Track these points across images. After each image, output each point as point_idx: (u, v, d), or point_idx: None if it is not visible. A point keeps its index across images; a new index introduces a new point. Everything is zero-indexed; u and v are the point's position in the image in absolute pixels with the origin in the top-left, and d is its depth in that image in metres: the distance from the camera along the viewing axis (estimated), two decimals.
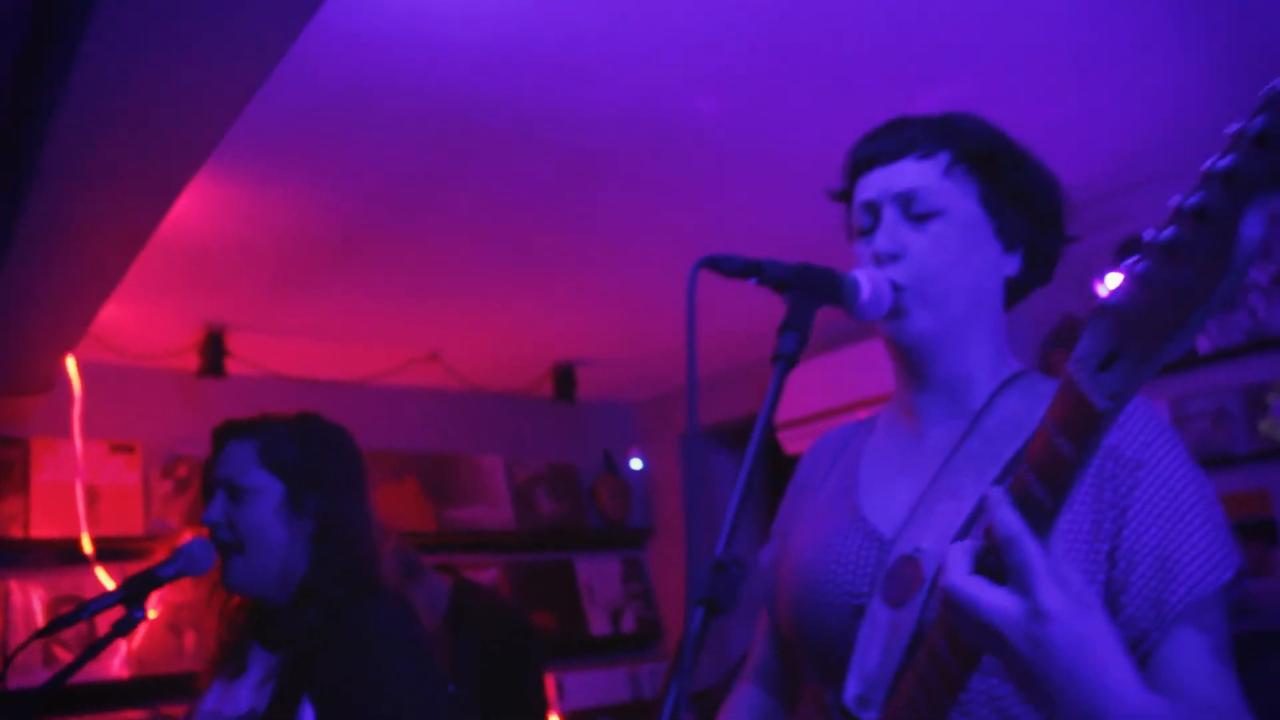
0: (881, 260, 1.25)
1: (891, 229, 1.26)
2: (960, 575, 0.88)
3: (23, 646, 1.97)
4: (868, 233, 1.29)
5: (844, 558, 1.24)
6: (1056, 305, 3.91)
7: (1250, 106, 0.66)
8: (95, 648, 1.90)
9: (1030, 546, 0.84)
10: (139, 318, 3.88)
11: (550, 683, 4.65)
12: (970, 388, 1.28)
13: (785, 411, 4.67)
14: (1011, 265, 1.29)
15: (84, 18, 1.71)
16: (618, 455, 5.90)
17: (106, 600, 1.92)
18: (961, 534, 1.15)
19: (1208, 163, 0.70)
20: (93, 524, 4.19)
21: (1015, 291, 1.33)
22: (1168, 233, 0.73)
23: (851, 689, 1.16)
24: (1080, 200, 3.76)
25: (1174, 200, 0.73)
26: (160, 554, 4.27)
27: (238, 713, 1.81)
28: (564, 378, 5.26)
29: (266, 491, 1.87)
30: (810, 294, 1.15)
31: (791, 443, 4.68)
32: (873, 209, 1.29)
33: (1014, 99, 2.88)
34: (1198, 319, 0.73)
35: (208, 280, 3.72)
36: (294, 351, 4.57)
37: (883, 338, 1.30)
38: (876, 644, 1.16)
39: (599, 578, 5.66)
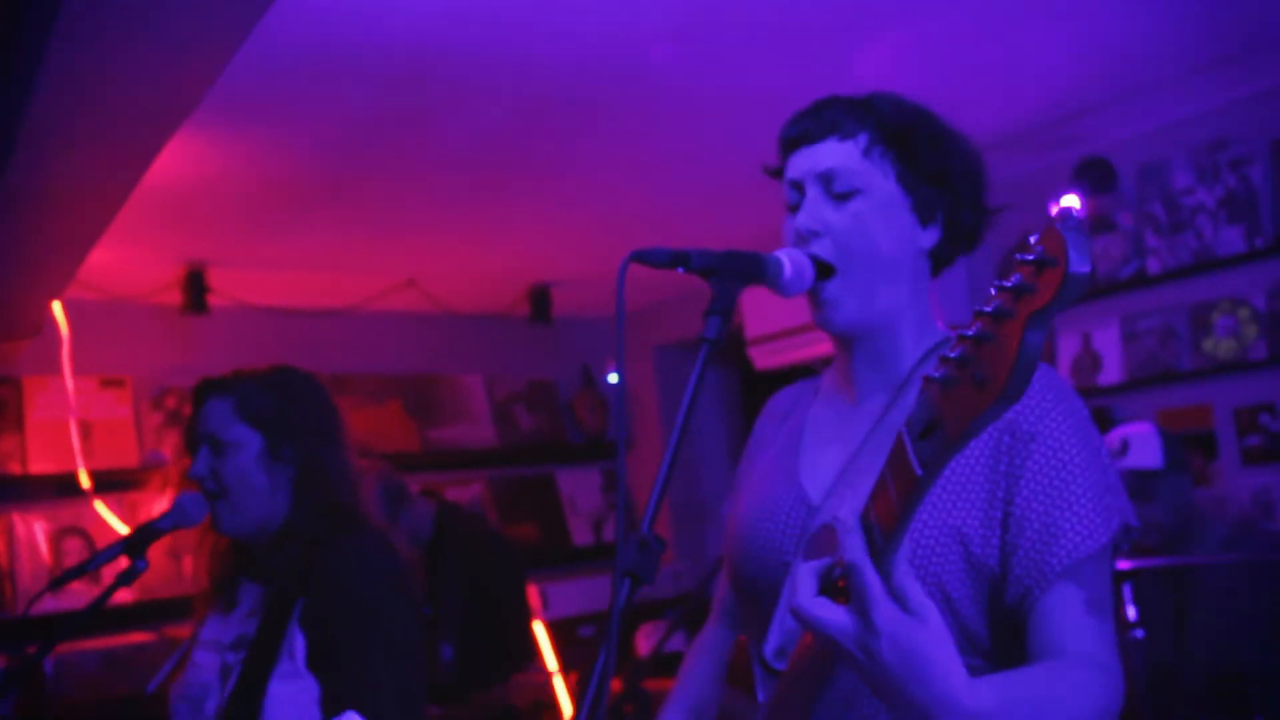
0: (804, 237, 1.34)
1: (813, 207, 1.35)
2: (807, 597, 1.02)
3: (39, 595, 2.09)
4: (794, 209, 1.38)
5: (775, 518, 1.37)
6: (1018, 224, 4.02)
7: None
8: (105, 595, 2.05)
9: (869, 573, 0.97)
10: (121, 259, 3.96)
11: (535, 593, 4.85)
12: (898, 357, 1.38)
13: (754, 328, 4.81)
14: (929, 238, 1.38)
15: None
16: (595, 370, 6.05)
17: (111, 552, 2.05)
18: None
19: (1005, 280, 0.82)
20: (88, 457, 4.33)
21: (940, 261, 1.42)
22: (975, 328, 0.85)
23: (772, 642, 1.29)
24: (1038, 123, 3.85)
25: (990, 294, 0.85)
26: (155, 483, 4.45)
27: (230, 640, 1.97)
28: (540, 298, 5.37)
29: (246, 443, 2.00)
30: (735, 277, 1.25)
31: (761, 358, 4.83)
32: (798, 187, 1.38)
33: (969, 35, 2.95)
34: (989, 416, 0.84)
35: (186, 222, 3.80)
36: (273, 284, 4.67)
37: (816, 324, 1.41)
38: None
39: (580, 489, 5.85)
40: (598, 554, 5.80)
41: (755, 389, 5.69)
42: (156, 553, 4.52)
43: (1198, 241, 3.60)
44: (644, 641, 4.99)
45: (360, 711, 1.79)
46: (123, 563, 2.06)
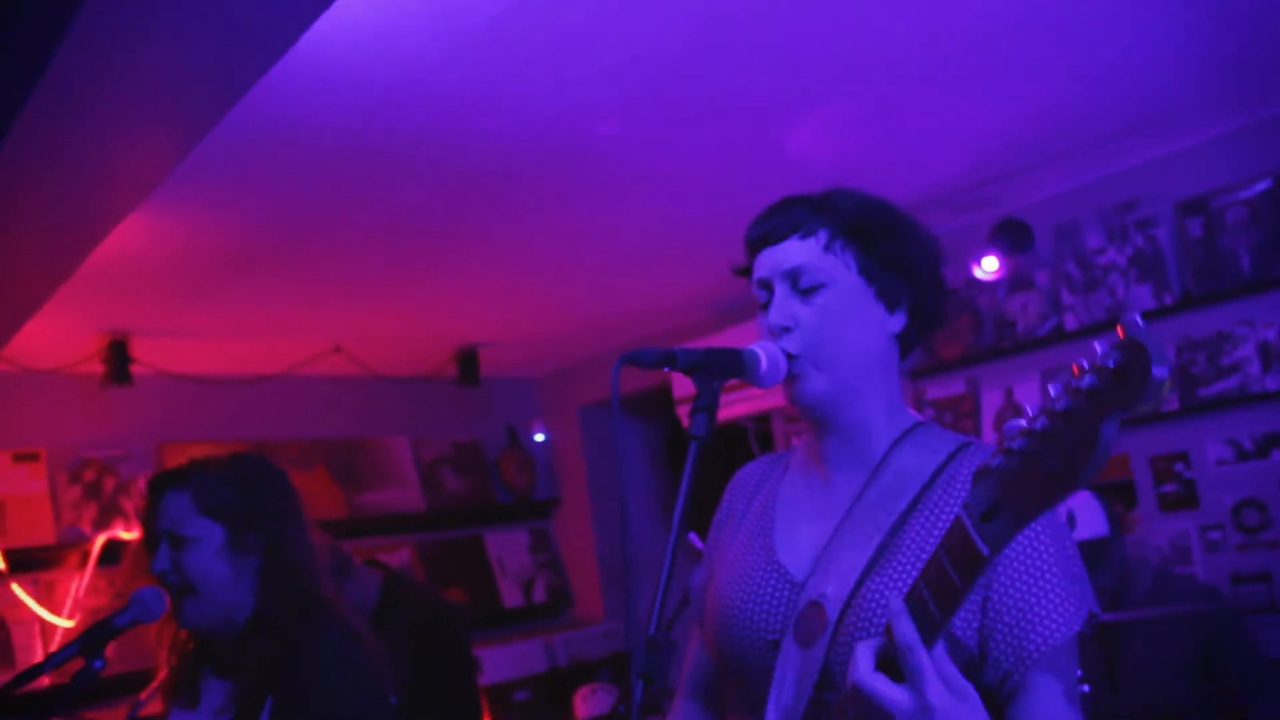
0: (776, 332, 1.41)
1: (782, 304, 1.41)
2: (866, 673, 1.10)
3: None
4: (764, 306, 1.45)
5: (760, 598, 1.40)
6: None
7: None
8: (66, 696, 1.98)
9: (922, 655, 1.06)
10: (41, 330, 3.84)
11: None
12: (869, 437, 1.44)
13: (681, 387, 4.88)
14: (897, 323, 1.44)
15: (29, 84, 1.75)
16: (521, 430, 6.04)
17: (67, 653, 1.99)
18: (861, 580, 1.31)
19: (1077, 381, 0.89)
20: (1, 536, 4.17)
21: (909, 343, 1.49)
22: (1041, 423, 0.92)
23: (770, 718, 1.32)
24: (959, 185, 3.99)
25: (1051, 394, 0.92)
26: (73, 560, 4.29)
27: None
28: (467, 360, 5.36)
29: (207, 537, 1.97)
30: (716, 372, 1.32)
31: (688, 417, 4.88)
32: (766, 285, 1.45)
33: (894, 107, 3.07)
34: (1064, 495, 0.93)
35: (112, 291, 3.71)
36: (198, 352, 4.58)
37: (789, 404, 1.47)
38: (789, 680, 1.33)
39: (508, 550, 5.82)
40: (528, 615, 5.77)
41: (681, 446, 5.73)
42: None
43: (1111, 298, 3.77)
44: (581, 705, 4.96)
45: None
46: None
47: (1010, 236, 3.89)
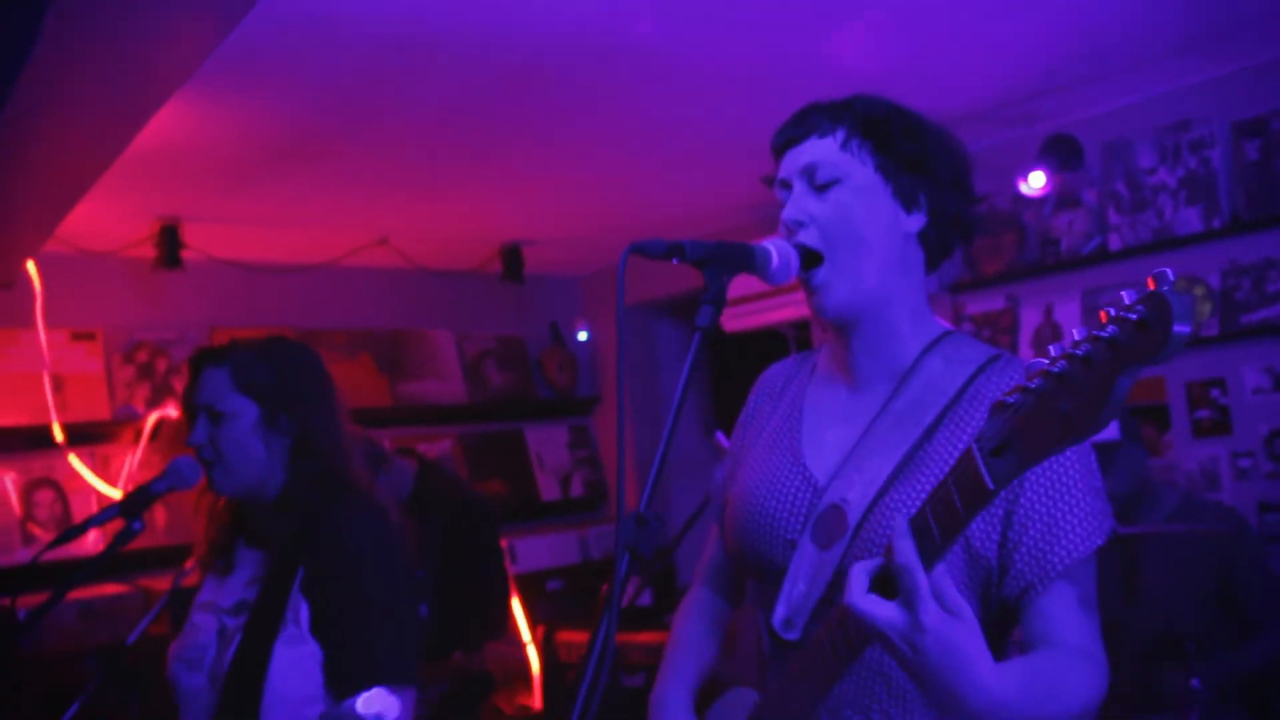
0: (791, 228, 1.42)
1: (797, 199, 1.43)
2: (859, 594, 1.12)
3: (48, 547, 2.13)
4: (784, 206, 1.46)
5: (782, 497, 1.44)
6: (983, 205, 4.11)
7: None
8: (101, 558, 2.10)
9: (919, 575, 1.08)
10: (95, 213, 3.94)
11: (504, 549, 4.94)
12: (896, 342, 1.45)
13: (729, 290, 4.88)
14: (914, 223, 1.44)
15: None
16: (564, 327, 6.10)
17: (109, 513, 2.10)
18: (884, 489, 1.34)
19: (1100, 330, 0.89)
20: (60, 410, 4.34)
21: (934, 250, 1.48)
22: (1060, 365, 0.93)
23: (779, 613, 1.39)
24: (1007, 100, 3.93)
25: (1073, 338, 0.93)
26: (126, 436, 4.47)
27: (229, 605, 2.04)
28: (511, 257, 5.39)
29: (243, 413, 2.05)
30: (726, 266, 1.32)
31: (729, 322, 4.92)
32: (786, 185, 1.46)
33: (944, 13, 3.01)
34: (1071, 444, 0.95)
35: (162, 178, 3.79)
36: (247, 240, 4.67)
37: (811, 312, 1.48)
38: (803, 577, 1.38)
39: (548, 446, 5.93)
40: (564, 509, 5.89)
41: (722, 350, 5.78)
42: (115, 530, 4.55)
43: (1158, 220, 3.71)
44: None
45: (362, 671, 1.88)
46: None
47: (1059, 152, 3.82)
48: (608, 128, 3.74)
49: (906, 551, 1.09)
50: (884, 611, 1.10)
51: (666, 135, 3.89)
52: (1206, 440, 3.64)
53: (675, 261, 1.33)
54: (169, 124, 3.26)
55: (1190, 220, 3.64)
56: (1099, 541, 1.31)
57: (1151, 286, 0.87)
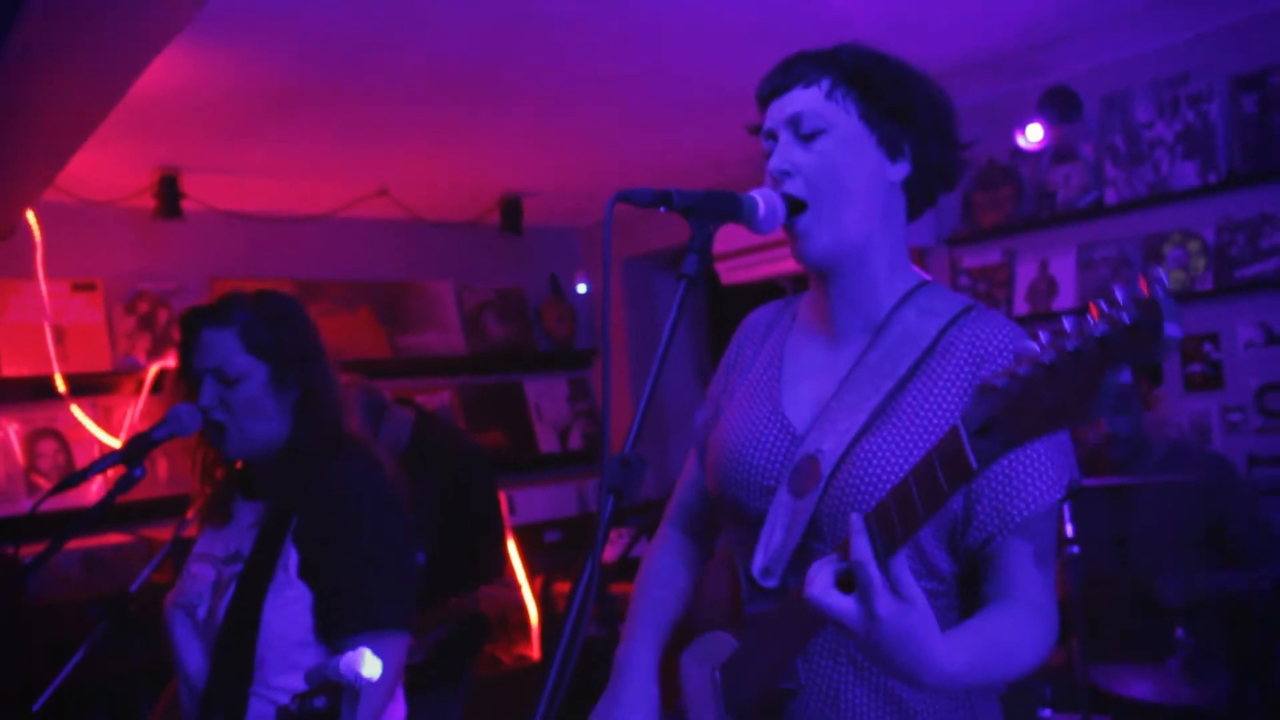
0: (777, 178, 1.43)
1: (783, 150, 1.44)
2: (819, 588, 1.17)
3: (49, 494, 2.16)
4: (769, 155, 1.47)
5: (761, 444, 1.47)
6: (983, 150, 4.12)
7: None
8: (101, 505, 2.14)
9: (873, 569, 1.13)
10: (95, 163, 3.95)
11: (502, 499, 4.99)
12: (873, 292, 1.47)
13: (721, 244, 4.89)
14: (899, 171, 1.46)
15: None
16: (563, 279, 6.12)
17: (109, 460, 2.12)
18: (856, 439, 1.38)
19: (1089, 324, 0.92)
20: (62, 361, 4.37)
21: (917, 197, 1.50)
22: (1049, 356, 0.96)
23: (758, 561, 1.42)
24: (1006, 52, 3.92)
25: (1066, 329, 0.94)
26: (128, 386, 4.50)
27: (225, 554, 2.07)
28: (511, 208, 5.40)
29: (253, 373, 2.06)
30: (712, 216, 1.33)
31: (727, 273, 4.94)
32: (772, 135, 1.47)
33: None
34: (1057, 430, 0.98)
35: (161, 127, 3.79)
36: (246, 190, 4.68)
37: (794, 258, 1.50)
38: (780, 525, 1.41)
39: (547, 398, 5.97)
40: (563, 461, 5.93)
41: (721, 304, 5.80)
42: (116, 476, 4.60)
43: (1154, 174, 3.72)
44: (609, 547, 5.16)
45: (352, 615, 1.92)
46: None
47: (1057, 105, 3.81)
48: (607, 79, 3.73)
49: (861, 548, 1.14)
50: (840, 604, 1.15)
51: (665, 88, 3.89)
52: (1198, 394, 3.67)
53: (662, 210, 1.33)
54: (167, 72, 3.25)
55: (1186, 175, 3.64)
56: (1059, 494, 1.34)
57: (1143, 287, 0.88)
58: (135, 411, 4.53)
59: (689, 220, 1.33)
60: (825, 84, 1.44)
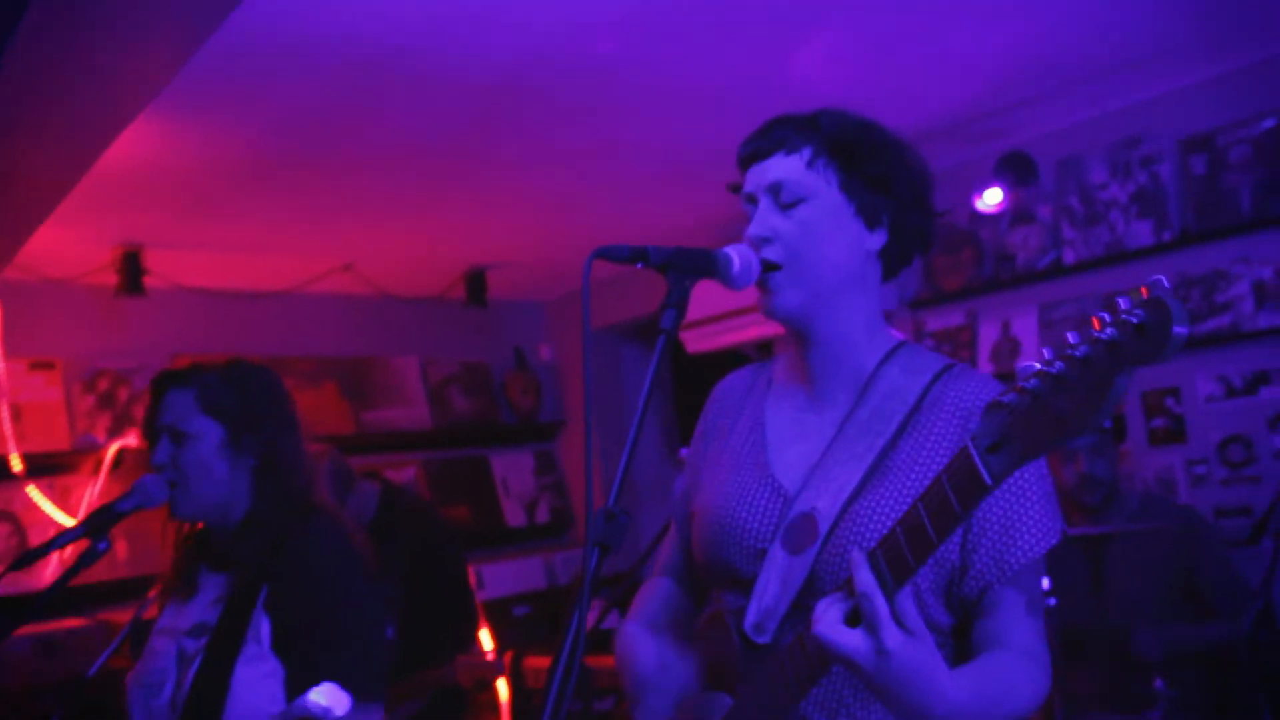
0: (756, 244, 1.45)
1: (763, 216, 1.46)
2: (827, 625, 1.18)
3: (5, 573, 2.10)
4: (749, 219, 1.49)
5: (753, 507, 1.47)
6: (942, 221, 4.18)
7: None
8: (65, 577, 2.07)
9: (880, 602, 1.14)
10: (55, 239, 3.91)
11: (470, 574, 4.92)
12: (853, 353, 1.49)
13: (688, 313, 4.92)
14: (876, 241, 1.48)
15: None
16: (527, 352, 6.11)
17: (72, 534, 2.08)
18: (853, 496, 1.38)
19: (1099, 332, 0.93)
20: (19, 440, 4.28)
21: (893, 262, 1.52)
22: (1058, 367, 0.97)
23: (751, 618, 1.41)
24: (962, 118, 3.99)
25: (1070, 341, 0.96)
26: (87, 466, 4.41)
27: (188, 627, 2.02)
28: (475, 281, 5.41)
29: (207, 434, 2.04)
30: (688, 271, 1.35)
31: (693, 342, 4.95)
32: (752, 199, 1.49)
33: (902, 33, 3.07)
34: (1068, 440, 0.99)
35: (123, 202, 3.77)
36: (210, 266, 4.65)
37: (763, 312, 1.50)
38: (774, 582, 1.40)
39: (513, 471, 5.92)
40: (530, 535, 5.88)
41: (686, 372, 5.81)
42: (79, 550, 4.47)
43: (1110, 234, 3.80)
44: None
45: None
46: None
47: (1014, 169, 3.90)
48: (570, 150, 3.77)
49: (866, 581, 1.14)
50: (849, 640, 1.15)
51: (629, 157, 3.93)
52: (1162, 448, 3.71)
53: (639, 266, 1.35)
54: (131, 147, 3.25)
55: (1141, 234, 3.72)
56: (1053, 541, 1.37)
57: (1145, 294, 0.90)
58: (94, 491, 4.44)
59: (666, 276, 1.35)
60: (807, 153, 1.46)
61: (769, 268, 1.43)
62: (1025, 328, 4.00)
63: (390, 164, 3.71)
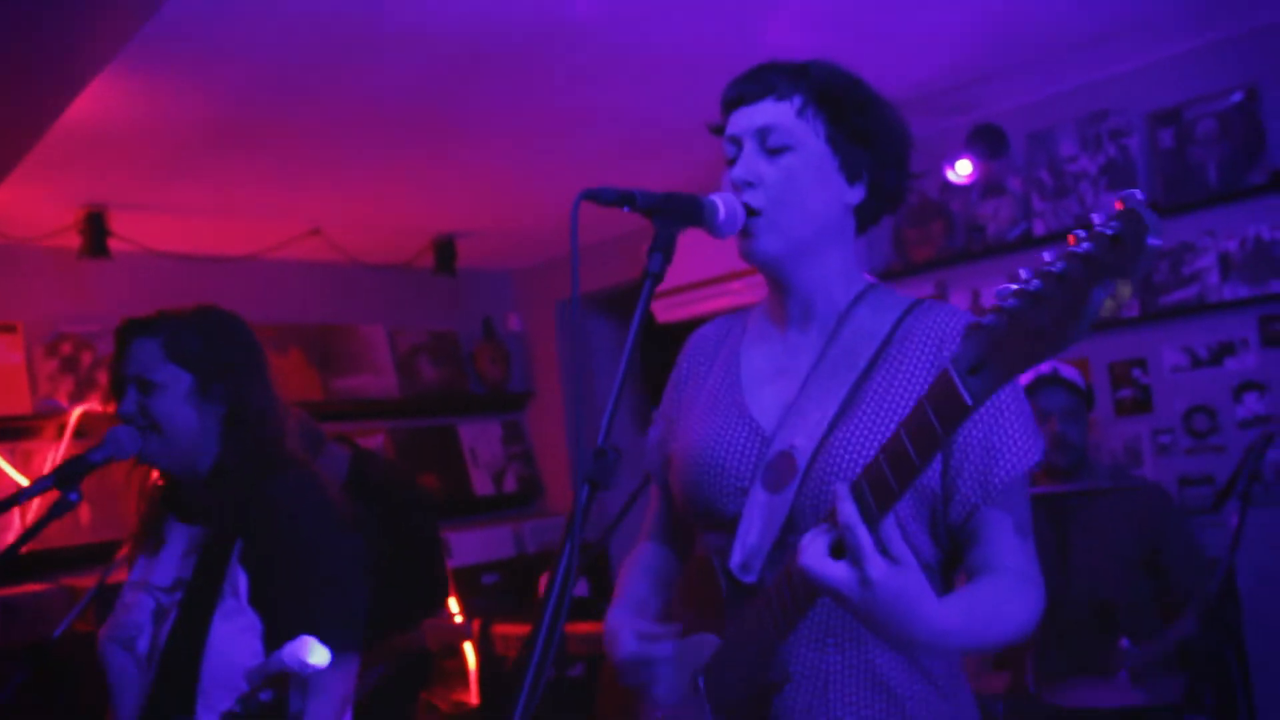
0: (739, 187, 1.45)
1: (748, 160, 1.46)
2: (812, 556, 1.18)
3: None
4: (731, 162, 1.49)
5: (731, 447, 1.48)
6: (916, 182, 4.20)
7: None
8: (34, 529, 2.04)
9: (862, 532, 1.14)
10: (17, 198, 3.85)
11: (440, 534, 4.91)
12: (827, 298, 1.50)
13: (664, 281, 4.91)
14: (855, 195, 1.49)
15: None
16: (496, 322, 6.09)
17: (42, 484, 2.03)
18: (829, 430, 1.40)
19: (1075, 247, 0.94)
20: None
21: (866, 218, 1.54)
22: (1035, 284, 0.97)
23: (736, 558, 1.42)
24: (936, 89, 4.01)
25: (1044, 258, 0.97)
26: (49, 431, 4.35)
27: (165, 583, 2.00)
28: (444, 249, 5.37)
29: (175, 382, 2.00)
30: (675, 217, 1.35)
31: (663, 312, 4.96)
32: (736, 142, 1.49)
33: (873, 7, 3.08)
34: (1047, 356, 0.99)
35: (88, 162, 3.71)
36: (176, 229, 4.58)
37: (743, 259, 1.51)
38: (756, 522, 1.42)
39: (481, 440, 5.91)
40: (498, 504, 5.88)
41: (656, 341, 5.80)
42: (52, 500, 4.42)
43: (1080, 206, 3.83)
44: (545, 587, 5.10)
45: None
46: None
47: (985, 141, 3.92)
48: (538, 115, 3.75)
49: (849, 513, 1.15)
50: (833, 571, 1.16)
51: (600, 125, 3.91)
52: (1128, 419, 3.77)
53: (625, 210, 1.35)
54: (96, 104, 3.19)
55: (1110, 206, 3.75)
56: (1035, 458, 1.38)
57: (1119, 207, 0.91)
58: (56, 456, 4.38)
59: (653, 221, 1.35)
60: (797, 101, 1.46)
61: (751, 213, 1.44)
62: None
63: (358, 127, 3.67)
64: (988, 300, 4.01)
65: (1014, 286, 1.00)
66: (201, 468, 2.01)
